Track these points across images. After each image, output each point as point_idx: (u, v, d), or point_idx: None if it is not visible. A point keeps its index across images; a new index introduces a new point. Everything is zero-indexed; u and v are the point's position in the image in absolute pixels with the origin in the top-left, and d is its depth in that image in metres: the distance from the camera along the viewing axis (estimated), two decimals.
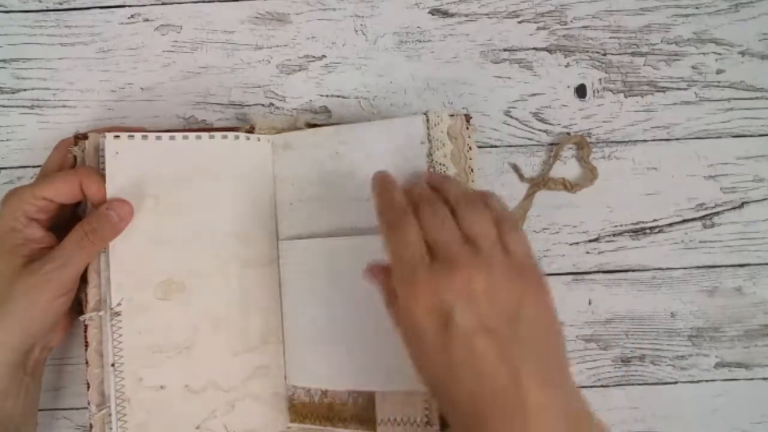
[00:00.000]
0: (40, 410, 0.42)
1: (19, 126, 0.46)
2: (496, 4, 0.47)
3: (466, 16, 0.47)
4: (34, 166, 0.45)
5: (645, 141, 0.46)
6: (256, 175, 0.43)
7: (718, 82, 0.46)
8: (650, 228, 0.46)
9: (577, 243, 0.46)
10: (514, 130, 0.46)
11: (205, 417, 0.40)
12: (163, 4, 0.47)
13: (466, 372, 0.29)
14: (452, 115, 0.42)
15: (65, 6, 0.46)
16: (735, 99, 0.46)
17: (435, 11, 0.47)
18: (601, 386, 0.45)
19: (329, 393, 0.41)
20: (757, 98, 0.46)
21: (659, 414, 0.45)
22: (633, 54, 0.46)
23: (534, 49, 0.47)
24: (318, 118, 0.46)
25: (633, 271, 0.45)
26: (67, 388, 0.44)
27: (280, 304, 0.43)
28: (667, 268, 0.45)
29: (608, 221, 0.46)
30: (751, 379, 0.45)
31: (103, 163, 0.40)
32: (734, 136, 0.46)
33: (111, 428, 0.39)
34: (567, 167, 0.46)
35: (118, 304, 0.39)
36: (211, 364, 0.40)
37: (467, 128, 0.42)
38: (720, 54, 0.46)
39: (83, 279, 0.40)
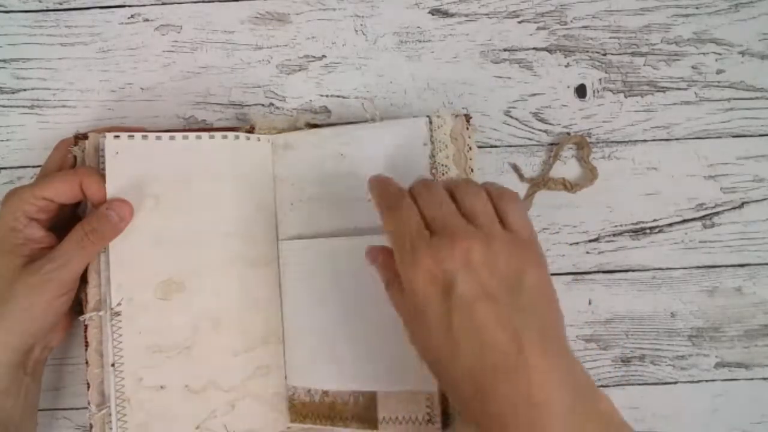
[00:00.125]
0: (40, 410, 0.42)
1: (19, 126, 0.46)
2: (496, 4, 0.47)
3: (466, 16, 0.47)
4: (34, 166, 0.45)
5: (645, 141, 0.46)
6: (256, 175, 0.43)
7: (718, 82, 0.46)
8: (650, 228, 0.46)
9: (577, 243, 0.46)
10: (514, 130, 0.46)
11: (205, 417, 0.40)
12: (163, 4, 0.47)
13: (468, 341, 0.29)
14: (455, 116, 0.42)
15: (65, 6, 0.46)
16: (735, 99, 0.46)
17: (435, 11, 0.47)
18: (601, 386, 0.45)
19: (330, 392, 0.41)
20: (757, 98, 0.46)
21: (659, 414, 0.45)
22: (633, 54, 0.46)
23: (534, 49, 0.47)
24: (318, 118, 0.46)
25: (633, 271, 0.45)
26: (67, 388, 0.44)
27: (280, 304, 0.43)
28: (667, 268, 0.45)
29: (608, 221, 0.46)
30: (751, 379, 0.45)
31: (103, 163, 0.40)
32: (734, 136, 0.46)
33: (111, 428, 0.39)
34: (567, 167, 0.46)
35: (118, 304, 0.39)
36: (211, 364, 0.40)
37: (467, 128, 0.42)
38: (720, 54, 0.46)
39: (83, 279, 0.40)
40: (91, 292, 0.40)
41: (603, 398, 0.30)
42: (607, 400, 0.30)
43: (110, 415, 0.39)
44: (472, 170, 0.42)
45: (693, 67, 0.46)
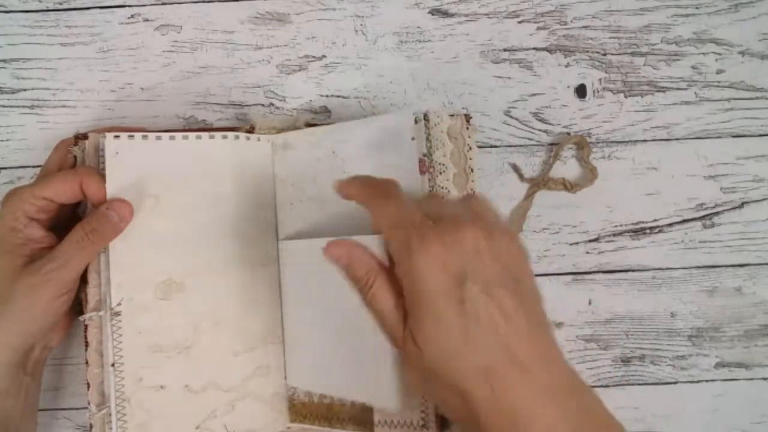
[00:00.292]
0: (40, 410, 0.42)
1: (19, 126, 0.46)
2: (496, 4, 0.47)
3: (466, 16, 0.47)
4: (34, 166, 0.45)
5: (645, 141, 0.46)
6: (256, 175, 0.43)
7: (718, 82, 0.46)
8: (650, 228, 0.46)
9: (577, 243, 0.46)
10: (514, 130, 0.46)
11: (205, 417, 0.40)
12: (163, 4, 0.47)
13: (484, 330, 0.29)
14: (452, 115, 0.42)
15: (65, 6, 0.46)
16: (735, 99, 0.46)
17: (435, 11, 0.47)
18: (601, 386, 0.45)
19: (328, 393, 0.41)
20: (757, 98, 0.46)
21: (659, 414, 0.45)
22: (633, 54, 0.46)
23: (534, 49, 0.47)
24: (318, 118, 0.46)
25: (633, 271, 0.45)
26: (67, 388, 0.44)
27: (280, 304, 0.43)
28: (667, 268, 0.45)
29: (608, 221, 0.46)
30: (751, 379, 0.45)
31: (103, 163, 0.40)
32: (734, 136, 0.46)
33: (111, 428, 0.39)
34: (567, 167, 0.46)
35: (118, 304, 0.39)
36: (211, 364, 0.40)
37: (467, 128, 0.42)
38: (720, 54, 0.46)
39: (83, 279, 0.40)
40: (91, 292, 0.40)
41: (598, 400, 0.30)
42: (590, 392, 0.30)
43: (110, 415, 0.39)
44: (471, 170, 0.42)
45: (693, 67, 0.46)
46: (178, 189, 0.41)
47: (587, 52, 0.46)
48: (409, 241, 0.30)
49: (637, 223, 0.46)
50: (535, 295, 0.31)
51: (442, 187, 0.41)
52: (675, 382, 0.45)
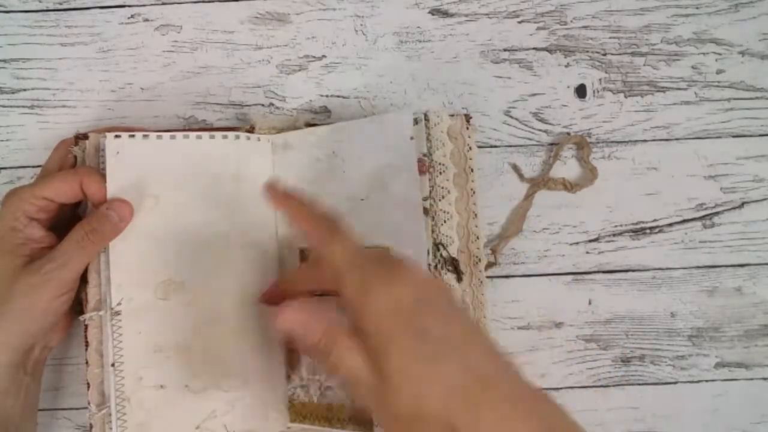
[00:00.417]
0: (40, 410, 0.42)
1: (19, 126, 0.46)
2: (496, 4, 0.47)
3: (466, 16, 0.47)
4: (34, 166, 0.45)
5: (645, 141, 0.46)
6: (256, 175, 0.43)
7: (718, 82, 0.46)
8: (650, 228, 0.46)
9: (577, 243, 0.46)
10: (514, 130, 0.46)
11: (205, 417, 0.40)
12: (163, 4, 0.47)
13: (444, 349, 0.29)
14: (452, 115, 0.42)
15: (65, 6, 0.46)
16: (735, 99, 0.46)
17: (435, 11, 0.47)
18: (601, 386, 0.45)
19: (328, 394, 0.41)
20: (757, 98, 0.46)
21: (659, 414, 0.45)
22: (633, 54, 0.46)
23: (534, 49, 0.47)
24: (318, 118, 0.46)
25: (633, 271, 0.45)
26: (67, 388, 0.44)
27: None
28: (667, 268, 0.45)
29: (608, 221, 0.46)
30: (751, 379, 0.45)
31: (104, 162, 0.40)
32: (734, 136, 0.46)
33: (111, 428, 0.39)
34: (567, 167, 0.46)
35: (118, 304, 0.39)
36: (211, 364, 0.40)
37: (467, 128, 0.42)
38: (720, 54, 0.46)
39: (83, 279, 0.40)
40: (91, 292, 0.40)
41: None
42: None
43: (110, 414, 0.39)
44: (471, 170, 0.42)
45: (693, 67, 0.46)
46: (179, 189, 0.41)
47: (587, 52, 0.47)
48: (364, 280, 0.31)
49: (637, 223, 0.46)
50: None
51: (442, 187, 0.41)
52: (675, 382, 0.45)
